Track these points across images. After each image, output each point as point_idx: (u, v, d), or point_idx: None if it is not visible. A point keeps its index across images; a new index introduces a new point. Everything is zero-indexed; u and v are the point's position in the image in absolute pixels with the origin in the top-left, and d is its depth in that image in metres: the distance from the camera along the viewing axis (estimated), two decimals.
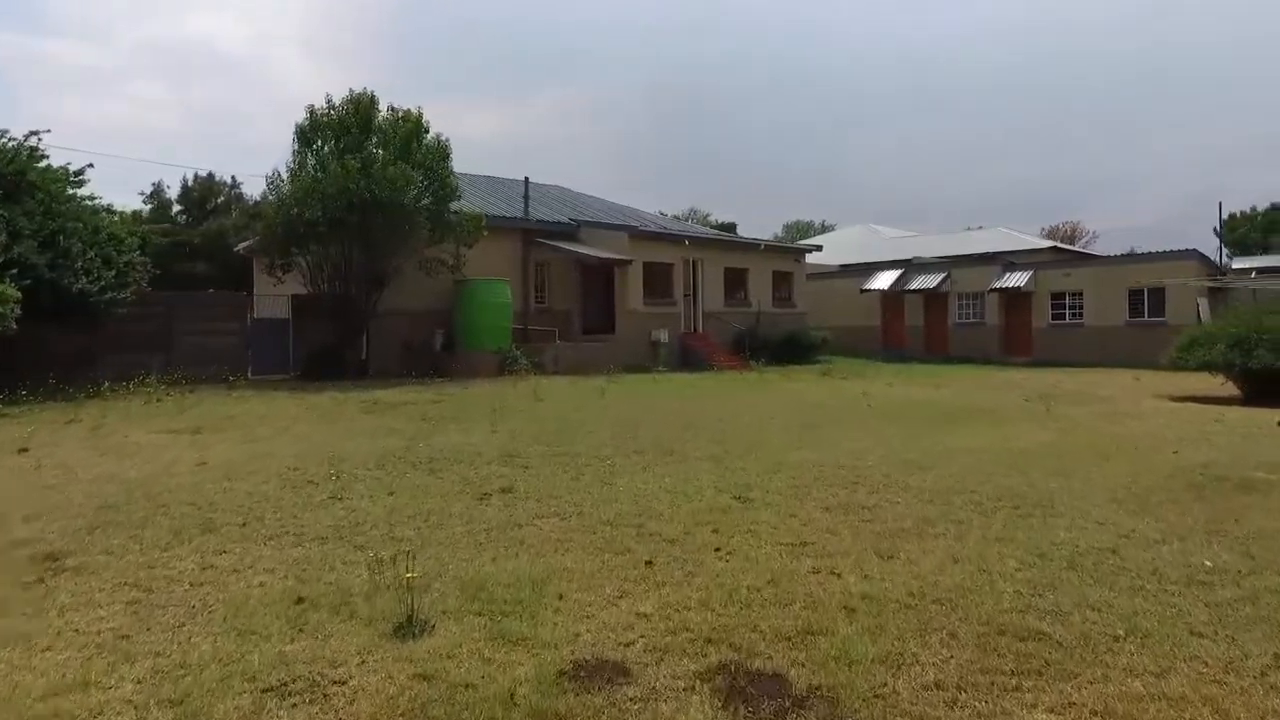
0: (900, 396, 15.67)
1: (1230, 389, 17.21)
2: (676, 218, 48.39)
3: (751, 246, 27.69)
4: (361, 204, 18.37)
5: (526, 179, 24.86)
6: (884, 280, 32.07)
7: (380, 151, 19.36)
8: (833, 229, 63.31)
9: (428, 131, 20.43)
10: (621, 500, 6.66)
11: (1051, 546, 5.28)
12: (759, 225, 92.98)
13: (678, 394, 15.71)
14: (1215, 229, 67.67)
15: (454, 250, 21.29)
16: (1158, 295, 26.32)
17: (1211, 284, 23.80)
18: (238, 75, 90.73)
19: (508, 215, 23.96)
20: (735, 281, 27.57)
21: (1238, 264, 24.31)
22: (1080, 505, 6.50)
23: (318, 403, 14.00)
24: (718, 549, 5.29)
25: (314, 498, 6.59)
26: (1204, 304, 25.95)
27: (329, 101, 19.49)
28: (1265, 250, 47.88)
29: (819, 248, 30.53)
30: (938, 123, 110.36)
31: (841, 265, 36.30)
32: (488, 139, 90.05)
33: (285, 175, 19.59)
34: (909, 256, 34.82)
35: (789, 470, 8.01)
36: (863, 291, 32.42)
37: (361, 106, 19.40)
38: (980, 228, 40.95)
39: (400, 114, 20.31)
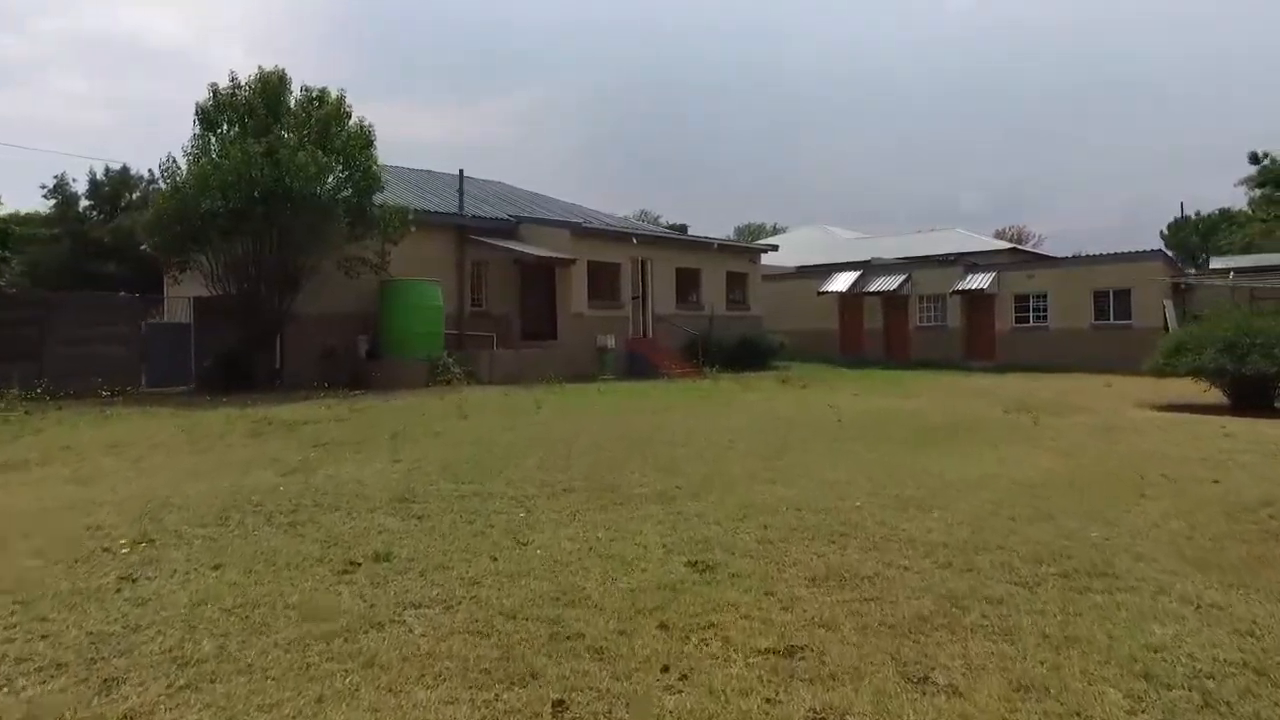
0: (870, 408, 14.15)
1: (1212, 395, 16.09)
2: (626, 219, 46.65)
3: (704, 246, 26.11)
4: (268, 194, 16.28)
5: (461, 172, 22.93)
6: (842, 282, 30.78)
7: (291, 136, 17.27)
8: (785, 231, 62.24)
9: (349, 116, 18.40)
10: (535, 572, 4.88)
11: (1152, 656, 3.64)
12: (710, 228, 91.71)
13: (624, 407, 13.96)
14: (1161, 232, 68.57)
15: (379, 248, 19.28)
16: (1123, 297, 25.40)
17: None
18: (174, 71, 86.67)
19: (439, 210, 21.97)
20: (687, 283, 25.94)
21: (1215, 263, 23.51)
22: (1147, 570, 4.91)
23: (201, 422, 11.93)
24: (666, 669, 3.55)
25: (92, 580, 4.66)
26: (1170, 306, 25.10)
27: (233, 79, 17.35)
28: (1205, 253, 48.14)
29: (775, 247, 29.10)
30: (883, 129, 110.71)
31: (798, 267, 34.96)
32: (436, 143, 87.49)
33: (183, 162, 17.36)
34: (867, 258, 33.62)
35: (758, 515, 6.32)
36: (820, 294, 31.09)
37: (270, 86, 17.28)
38: (934, 229, 40.00)
39: (316, 95, 18.25)
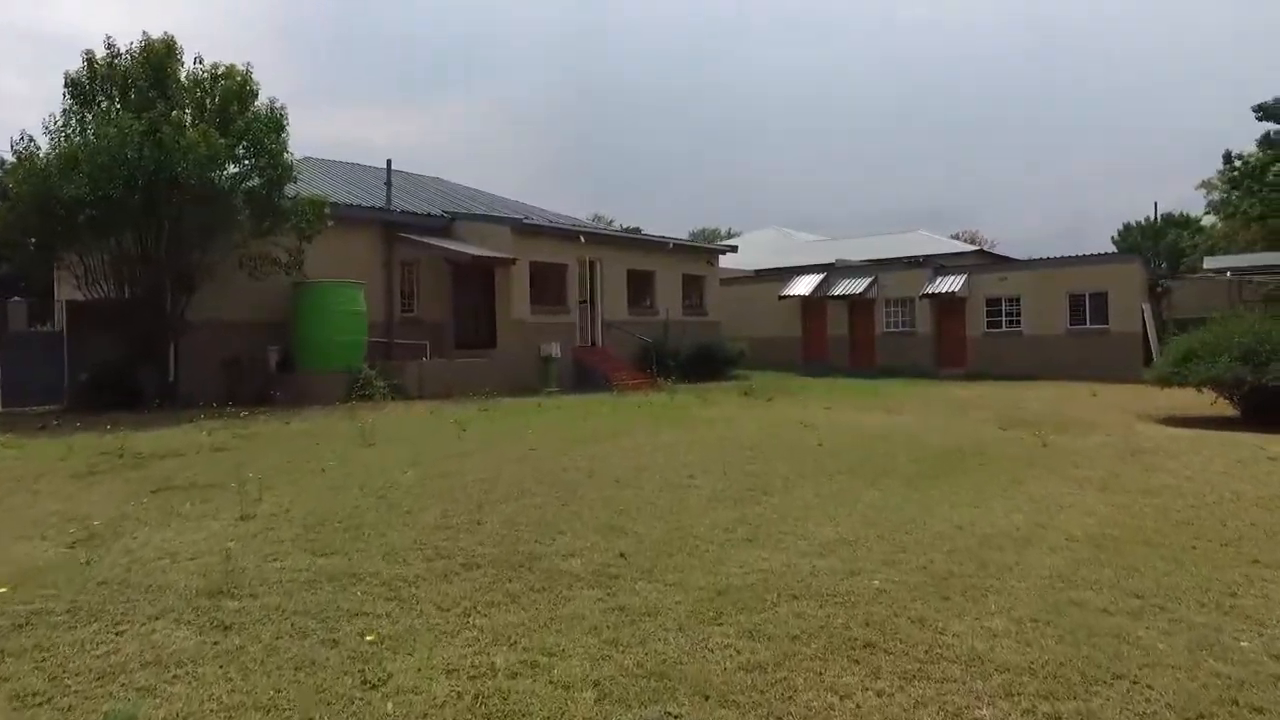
0: (849, 427, 12.26)
1: (1219, 407, 14.59)
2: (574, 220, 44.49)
3: (658, 246, 24.15)
4: (150, 180, 13.89)
5: (389, 162, 20.66)
6: (805, 285, 29.05)
7: (181, 114, 14.86)
8: (740, 235, 60.63)
9: (256, 95, 16.02)
10: None
11: None
12: (664, 233, 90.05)
13: (564, 431, 11.87)
14: (1111, 238, 68.59)
15: (292, 245, 16.93)
16: (1099, 300, 24.04)
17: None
18: None
19: (364, 205, 19.66)
20: (640, 286, 23.95)
21: (1209, 263, 22.30)
22: None
23: (27, 454, 9.56)
24: None
25: None
26: (1147, 310, 23.83)
27: (110, 46, 14.86)
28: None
29: (734, 248, 27.26)
30: (834, 136, 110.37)
31: (757, 270, 33.20)
32: (386, 148, 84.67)
33: (44, 141, 14.80)
34: (828, 260, 31.99)
35: (738, 609, 4.33)
36: (781, 298, 29.34)
37: (155, 55, 14.84)
38: (897, 231, 38.63)
39: (216, 70, 15.85)
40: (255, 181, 16.01)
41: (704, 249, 25.85)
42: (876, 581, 4.85)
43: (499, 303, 20.27)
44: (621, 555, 5.38)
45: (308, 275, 17.48)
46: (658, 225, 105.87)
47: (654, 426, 12.14)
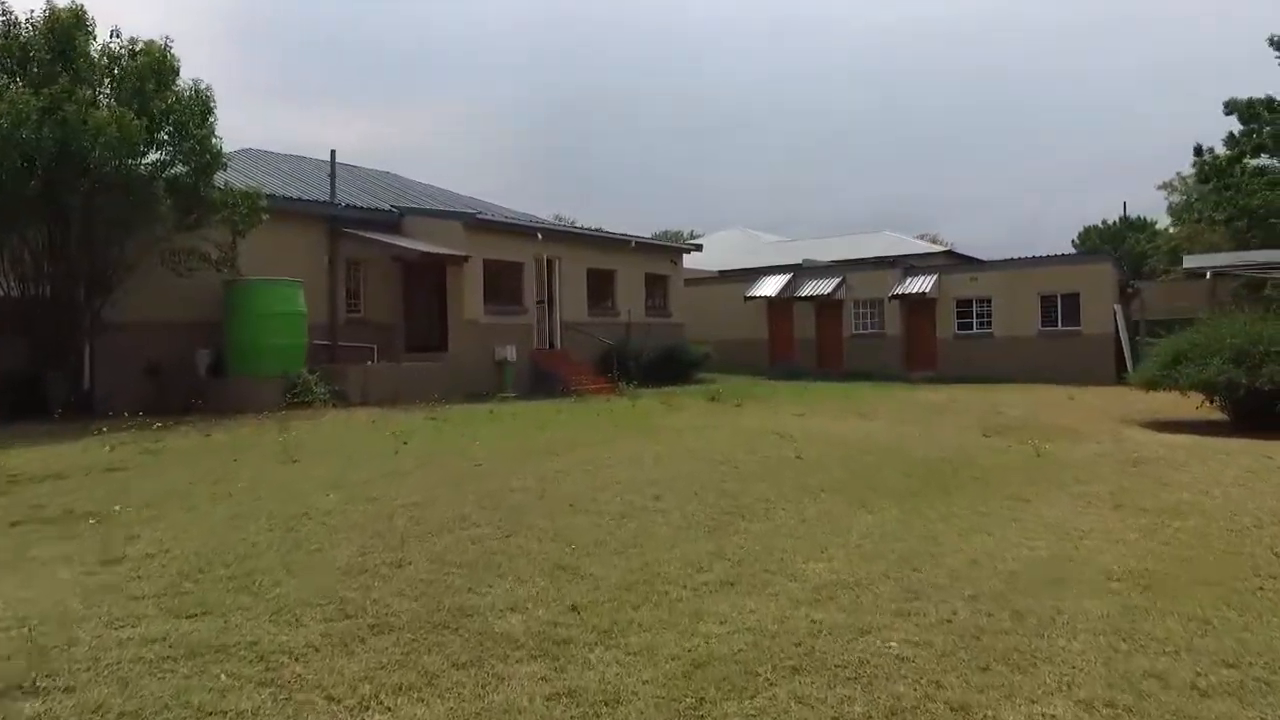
0: (826, 435, 11.33)
1: (1205, 410, 13.97)
2: (531, 217, 43.26)
3: (620, 244, 23.08)
4: (51, 164, 12.51)
5: (333, 153, 19.32)
6: (771, 286, 28.21)
7: (93, 92, 13.49)
8: (703, 236, 59.84)
9: (176, 73, 14.66)
10: None
11: None
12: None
13: (516, 443, 10.75)
14: (1072, 241, 69.14)
15: (225, 240, 15.61)
16: (1071, 302, 23.52)
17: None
18: None
19: (305, 198, 18.34)
20: (600, 286, 22.87)
21: (1189, 262, 21.85)
22: None
23: None
24: None
25: None
26: (1119, 311, 23.37)
27: (6, 13, 13.40)
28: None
29: (698, 247, 26.29)
30: (796, 140, 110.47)
31: (721, 270, 32.35)
32: (353, 149, 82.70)
33: None
34: (794, 261, 31.21)
35: (724, 692, 3.31)
36: (747, 299, 28.46)
37: (60, 26, 13.42)
38: (863, 232, 38.05)
39: (135, 46, 14.46)
40: (180, 169, 14.67)
41: (668, 247, 24.86)
42: (894, 644, 3.85)
43: (451, 303, 19.06)
44: (573, 608, 4.33)
45: (242, 273, 16.18)
46: (620, 227, 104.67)
47: (615, 436, 11.08)
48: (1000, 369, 23.84)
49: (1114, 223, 55.15)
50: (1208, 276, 20.97)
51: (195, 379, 15.91)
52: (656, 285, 25.03)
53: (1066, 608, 4.34)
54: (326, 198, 18.84)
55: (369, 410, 14.95)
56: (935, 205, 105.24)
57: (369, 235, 18.37)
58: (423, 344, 19.72)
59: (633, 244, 23.21)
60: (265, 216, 15.56)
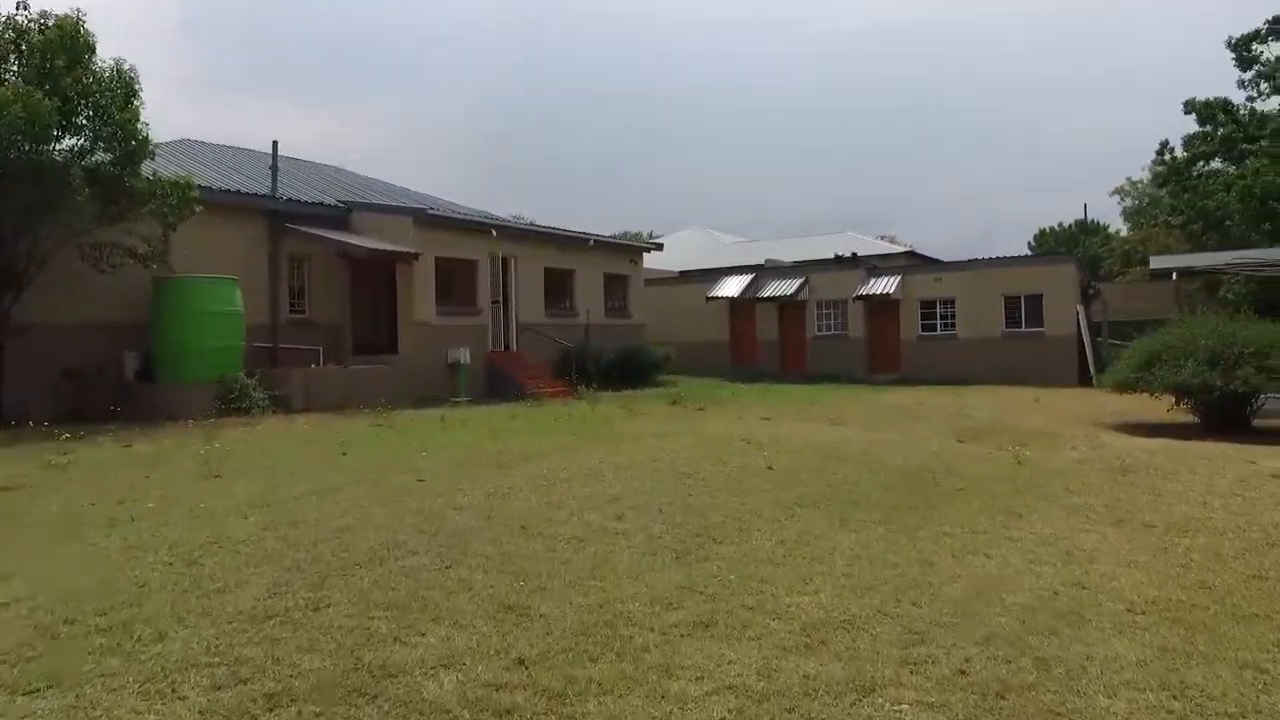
0: (796, 442, 10.72)
1: (1175, 413, 13.70)
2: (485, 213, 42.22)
3: (578, 242, 22.33)
4: None
5: (275, 144, 18.32)
6: (733, 287, 27.68)
7: None
8: (662, 237, 59.30)
9: (91, 50, 13.57)
10: None
11: None
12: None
13: (466, 451, 9.97)
14: (1029, 243, 69.94)
15: (154, 234, 14.56)
16: (1034, 303, 23.35)
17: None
18: None
19: (244, 191, 17.30)
20: (558, 286, 22.11)
21: (1155, 263, 21.78)
22: None
23: None
24: None
25: None
26: (1081, 312, 23.26)
27: None
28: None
29: (659, 246, 25.66)
30: (753, 143, 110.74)
31: (682, 271, 31.78)
32: (307, 146, 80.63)
33: None
34: (757, 261, 30.73)
35: None
36: (709, 299, 27.89)
37: None
38: (824, 234, 37.75)
39: (43, 19, 13.33)
40: (101, 157, 13.61)
41: (628, 246, 24.16)
42: (905, 706, 3.21)
43: (401, 303, 18.16)
44: (520, 662, 3.62)
45: (174, 270, 15.14)
46: (579, 228, 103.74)
47: (573, 445, 10.35)
48: (964, 371, 23.57)
49: (1069, 225, 55.78)
50: (1174, 277, 20.87)
51: (121, 384, 14.83)
52: (616, 285, 24.34)
53: (1096, 653, 3.74)
54: (268, 191, 17.81)
55: (311, 417, 14.04)
56: (891, 207, 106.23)
57: (313, 231, 17.39)
58: (371, 346, 18.80)
59: (591, 242, 22.48)
60: (198, 208, 14.52)
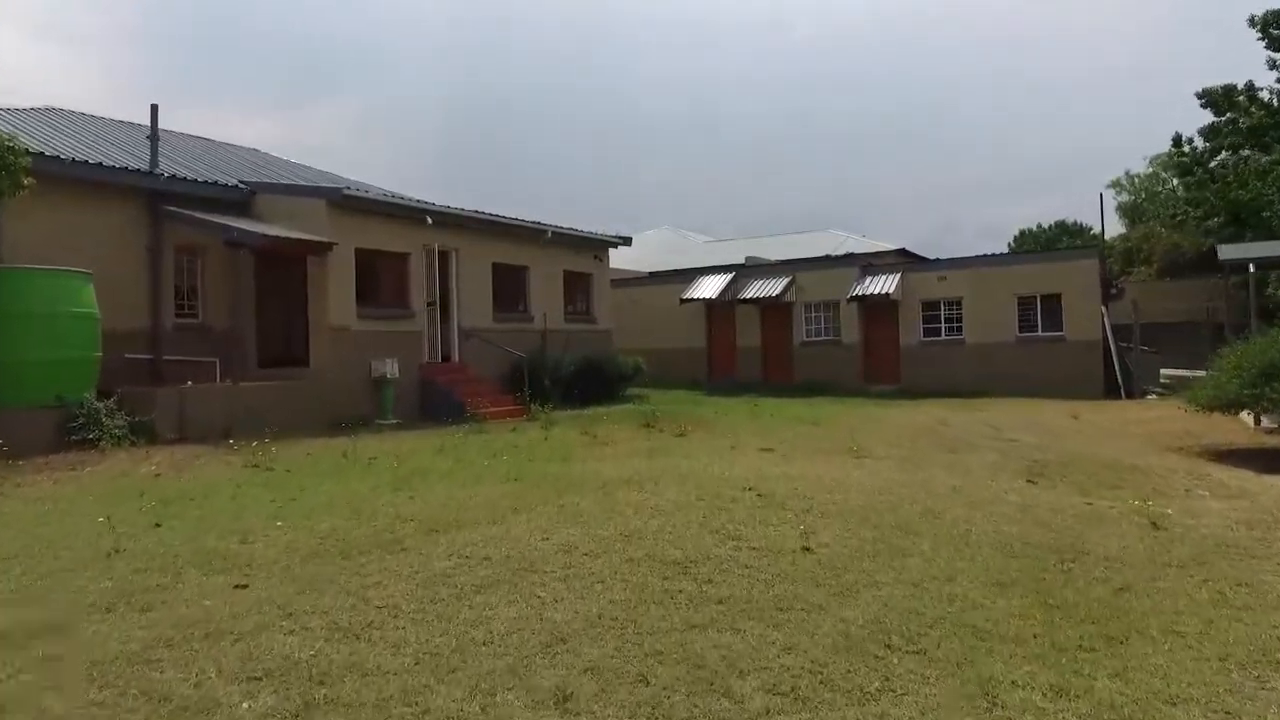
0: (825, 492, 7.64)
1: (1257, 437, 11.01)
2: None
3: (533, 234, 19.11)
4: None
5: (154, 108, 14.92)
6: (710, 287, 24.70)
7: None
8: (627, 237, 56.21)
9: None
10: None
11: None
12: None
13: (345, 518, 6.74)
14: (1009, 244, 68.04)
15: None
16: (1052, 304, 20.66)
17: None
18: None
19: (107, 164, 13.90)
20: (510, 285, 18.91)
21: (1225, 253, 19.18)
22: None
23: None
24: None
25: None
26: (1105, 314, 20.61)
27: None
28: None
29: (627, 241, 22.54)
30: (714, 144, 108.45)
31: (652, 271, 28.76)
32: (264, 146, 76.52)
33: None
34: (739, 260, 27.77)
35: None
36: (683, 302, 24.89)
37: None
38: (808, 231, 34.93)
39: None
40: None
41: (591, 239, 20.91)
42: None
43: (313, 304, 14.86)
44: None
45: (2, 259, 11.80)
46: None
47: (510, 501, 7.18)
48: (971, 381, 20.84)
49: (1049, 227, 53.68)
50: (1251, 270, 18.25)
51: None
52: (578, 285, 21.20)
53: None
54: (145, 166, 14.43)
55: (175, 453, 10.74)
56: (858, 208, 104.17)
57: (197, 215, 14.04)
58: (284, 357, 15.48)
59: (549, 234, 19.28)
60: (27, 182, 11.16)
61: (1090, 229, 53.38)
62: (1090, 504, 7.35)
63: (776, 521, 6.25)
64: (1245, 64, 62.69)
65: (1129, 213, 44.73)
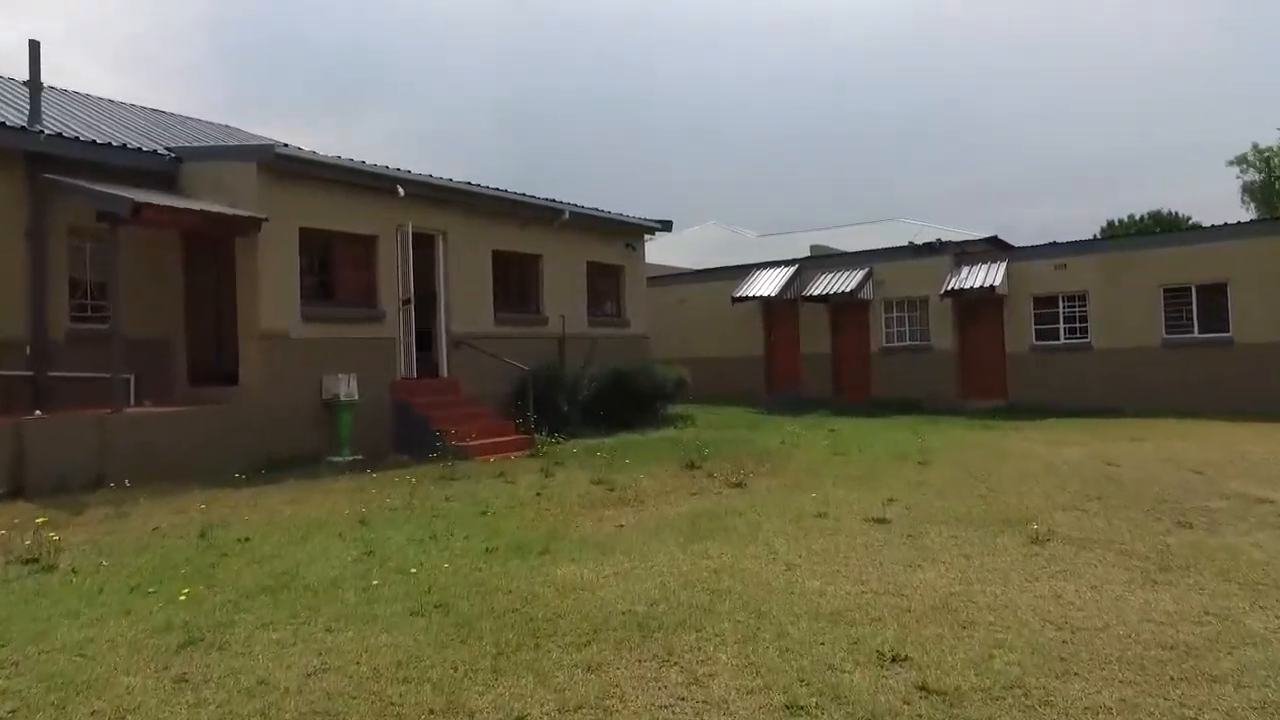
0: (1045, 676, 3.57)
1: None
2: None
3: (546, 214, 15.18)
4: None
5: (34, 45, 11.36)
6: (768, 283, 20.55)
7: None
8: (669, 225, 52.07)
9: None
10: None
11: None
12: None
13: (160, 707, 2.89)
14: (1094, 235, 62.37)
15: None
16: (1214, 297, 16.08)
17: None
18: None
19: None
20: (516, 278, 15.03)
21: None
22: None
23: None
24: None
25: None
26: None
27: None
28: None
29: (667, 226, 18.47)
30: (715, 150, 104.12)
31: (695, 269, 24.74)
32: None
33: None
34: (802, 254, 23.58)
35: None
36: (736, 301, 20.78)
37: None
38: (877, 221, 30.56)
39: None
40: None
41: (622, 223, 16.83)
42: None
43: (241, 302, 11.15)
44: None
45: None
46: None
47: (432, 672, 3.22)
48: (1098, 395, 16.42)
49: (1142, 217, 48.25)
50: None
51: None
52: (606, 280, 17.25)
53: None
54: (22, 123, 10.89)
55: (28, 506, 7.05)
56: (917, 205, 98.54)
57: (84, 185, 10.41)
58: (214, 370, 11.85)
59: (566, 215, 15.32)
60: None
61: (1189, 218, 47.81)
62: None
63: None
64: None
65: (1256, 195, 39.22)
